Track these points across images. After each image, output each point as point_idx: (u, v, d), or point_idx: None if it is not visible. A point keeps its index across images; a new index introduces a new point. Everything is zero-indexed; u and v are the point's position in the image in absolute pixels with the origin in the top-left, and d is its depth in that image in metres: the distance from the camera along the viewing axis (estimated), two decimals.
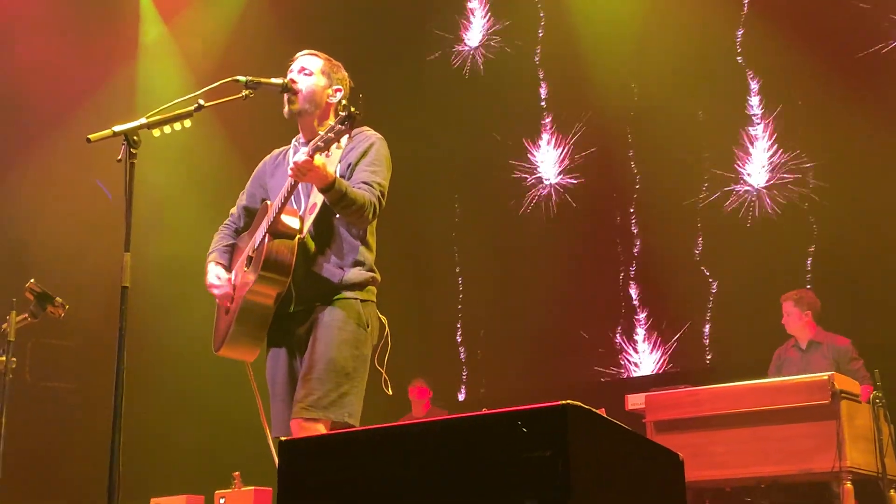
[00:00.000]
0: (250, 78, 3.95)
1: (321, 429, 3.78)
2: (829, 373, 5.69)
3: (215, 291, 4.17)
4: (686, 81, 8.71)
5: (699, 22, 8.77)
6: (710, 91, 8.66)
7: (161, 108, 3.70)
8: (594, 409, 2.24)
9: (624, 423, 2.43)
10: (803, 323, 7.05)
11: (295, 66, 4.18)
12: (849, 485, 5.41)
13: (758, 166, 8.40)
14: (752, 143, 8.46)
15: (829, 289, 7.49)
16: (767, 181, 8.35)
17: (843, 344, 6.91)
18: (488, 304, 9.77)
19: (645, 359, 8.83)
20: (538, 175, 9.68)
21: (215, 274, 4.19)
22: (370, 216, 3.92)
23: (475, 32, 10.28)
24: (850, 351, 6.87)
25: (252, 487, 7.38)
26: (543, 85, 9.74)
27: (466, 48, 10.26)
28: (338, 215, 3.94)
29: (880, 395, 5.94)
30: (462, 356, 9.87)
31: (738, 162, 8.46)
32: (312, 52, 4.25)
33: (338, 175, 3.89)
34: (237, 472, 7.77)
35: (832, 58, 8.02)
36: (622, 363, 8.92)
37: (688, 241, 8.65)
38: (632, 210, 9.07)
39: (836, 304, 7.32)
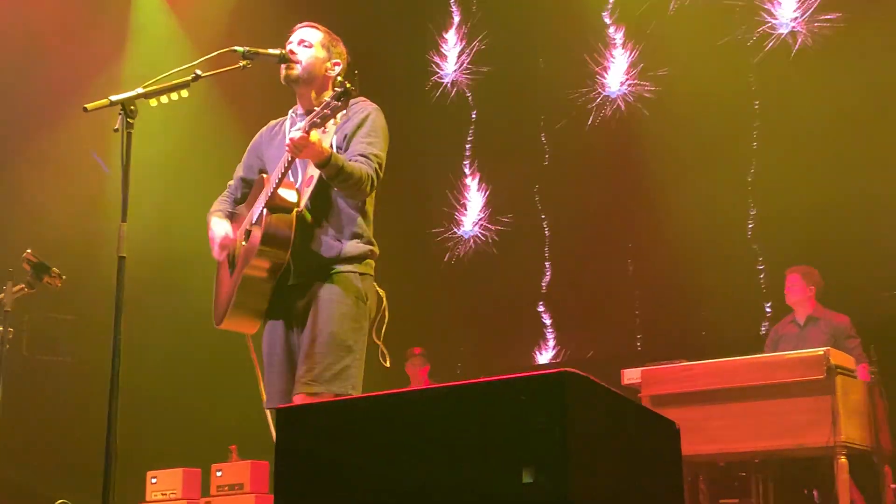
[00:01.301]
0: (248, 48, 3.93)
1: None
2: (825, 348, 5.71)
3: (217, 244, 4.14)
4: None
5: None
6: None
7: (158, 77, 3.69)
8: (591, 377, 2.25)
9: None
10: (805, 297, 7.06)
11: (294, 37, 4.16)
12: (843, 459, 5.44)
13: None
14: None
15: (827, 264, 7.47)
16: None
17: (840, 321, 6.92)
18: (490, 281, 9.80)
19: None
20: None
21: (224, 228, 4.16)
22: (368, 189, 3.91)
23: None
24: (848, 328, 6.88)
25: (249, 460, 7.41)
26: None
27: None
28: (335, 188, 3.93)
29: (875, 370, 5.97)
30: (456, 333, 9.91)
31: None
32: (312, 24, 4.22)
33: (334, 146, 3.89)
34: (234, 445, 7.80)
35: None
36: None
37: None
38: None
39: (832, 280, 7.33)
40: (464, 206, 10.03)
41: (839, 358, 5.68)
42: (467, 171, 10.10)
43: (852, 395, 5.69)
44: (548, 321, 9.40)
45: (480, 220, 9.90)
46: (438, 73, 10.33)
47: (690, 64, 8.68)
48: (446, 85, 10.27)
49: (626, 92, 9.14)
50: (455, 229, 10.05)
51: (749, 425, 5.67)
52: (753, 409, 5.69)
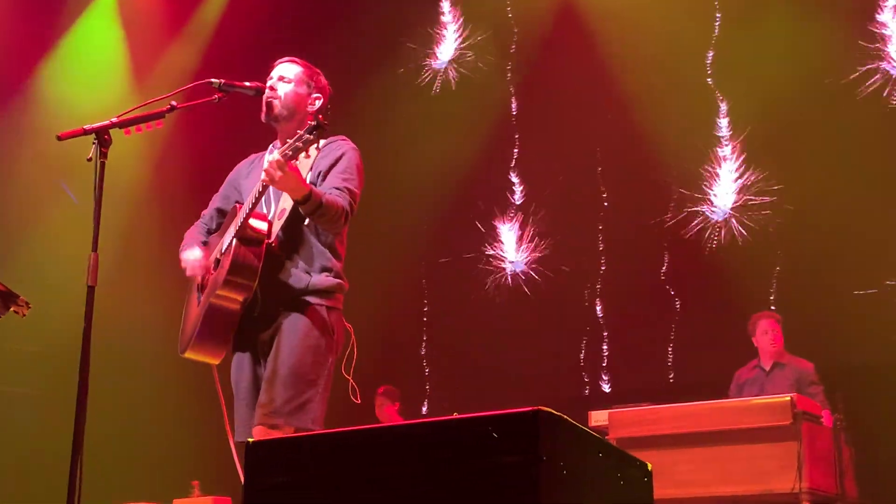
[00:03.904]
0: (224, 82, 3.93)
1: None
2: (792, 394, 5.74)
3: (189, 267, 4.10)
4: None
5: (671, 42, 8.85)
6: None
7: (133, 107, 3.68)
8: (565, 416, 2.24)
9: None
10: (781, 344, 7.08)
11: (274, 73, 4.16)
12: None
13: (725, 189, 8.47)
14: (719, 165, 8.56)
15: (792, 311, 7.53)
16: (735, 203, 8.42)
17: (805, 367, 6.96)
18: (452, 318, 9.78)
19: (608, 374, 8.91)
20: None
21: (195, 254, 4.11)
22: (343, 222, 3.91)
23: (448, 46, 10.31)
24: (812, 375, 6.91)
25: (211, 496, 7.34)
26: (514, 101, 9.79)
27: (439, 63, 10.28)
28: (308, 221, 3.92)
29: (841, 417, 6.01)
30: (426, 371, 9.85)
31: (706, 183, 8.55)
32: (292, 59, 4.22)
33: (308, 182, 3.88)
34: (196, 481, 7.72)
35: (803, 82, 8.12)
36: (586, 381, 8.96)
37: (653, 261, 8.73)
38: (600, 228, 9.12)
39: (798, 327, 7.38)
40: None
41: (805, 404, 5.71)
42: None
43: (818, 442, 5.72)
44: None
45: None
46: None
47: None
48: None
49: None
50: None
51: (715, 470, 5.68)
52: (720, 454, 5.70)
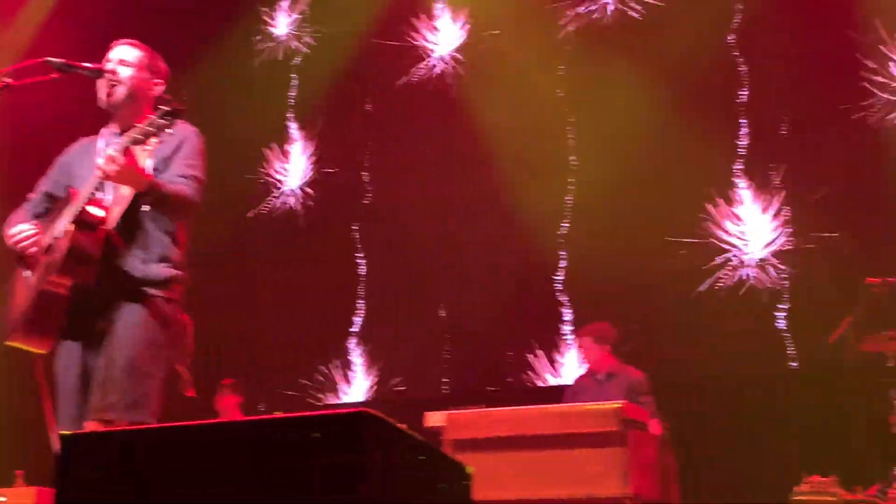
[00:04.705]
0: (63, 61, 3.81)
1: None
2: (621, 402, 5.90)
3: (21, 238, 3.94)
4: None
5: None
6: None
7: None
8: (387, 418, 2.26)
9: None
10: (600, 357, 7.27)
11: (113, 55, 4.04)
12: None
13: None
14: None
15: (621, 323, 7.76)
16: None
17: (637, 377, 7.17)
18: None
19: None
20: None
21: (25, 226, 3.95)
22: (189, 211, 3.84)
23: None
24: (643, 384, 7.11)
25: (35, 486, 7.14)
26: None
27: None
28: (147, 208, 3.82)
29: (668, 426, 6.22)
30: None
31: None
32: (131, 41, 4.11)
33: (150, 169, 3.79)
34: (20, 471, 7.49)
35: None
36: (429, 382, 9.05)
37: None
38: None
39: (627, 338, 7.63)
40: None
41: (634, 412, 5.87)
42: None
43: (644, 449, 5.89)
44: (358, 359, 9.40)
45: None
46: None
47: None
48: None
49: None
50: None
51: (546, 473, 5.76)
52: (551, 458, 5.79)
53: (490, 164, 8.93)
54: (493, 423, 6.01)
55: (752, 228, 8.19)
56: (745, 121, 8.30)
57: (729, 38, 8.39)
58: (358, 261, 9.59)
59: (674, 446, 6.46)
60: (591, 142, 8.71)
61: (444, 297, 9.15)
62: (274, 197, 10.07)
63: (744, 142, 8.26)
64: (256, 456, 2.29)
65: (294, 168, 10.07)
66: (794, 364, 7.88)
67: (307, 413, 2.27)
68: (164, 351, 3.87)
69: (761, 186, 8.17)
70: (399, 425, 2.32)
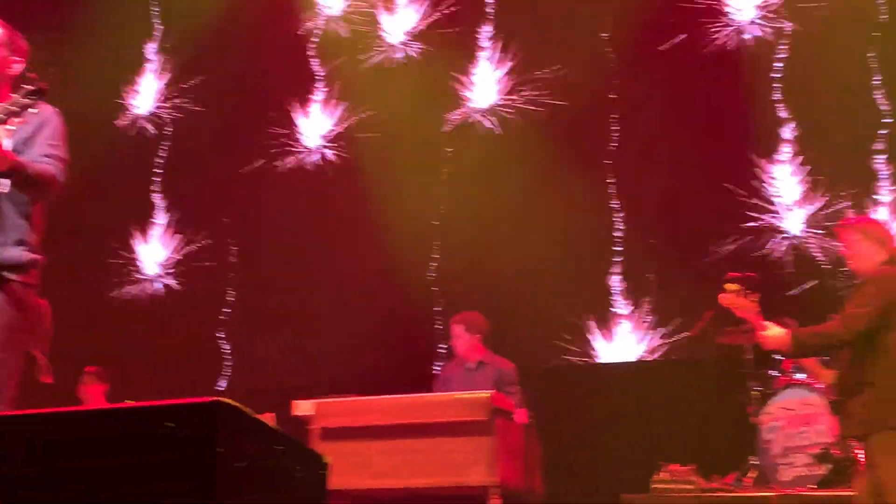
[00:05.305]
0: None
1: None
2: (490, 392, 5.98)
3: None
4: None
5: None
6: None
7: None
8: (243, 407, 2.25)
9: (291, 429, 2.46)
10: (471, 346, 7.32)
11: None
12: (497, 499, 5.69)
13: None
14: None
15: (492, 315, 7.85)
16: None
17: (506, 367, 7.24)
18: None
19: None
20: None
21: None
22: (53, 191, 3.75)
23: None
24: (512, 375, 7.18)
25: None
26: None
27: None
28: (7, 189, 3.70)
29: (533, 415, 6.34)
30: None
31: None
32: None
33: (11, 149, 3.68)
34: None
35: None
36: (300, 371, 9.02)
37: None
38: None
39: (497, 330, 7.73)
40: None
41: (501, 401, 5.96)
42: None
43: (510, 438, 5.98)
44: (227, 349, 9.32)
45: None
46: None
47: None
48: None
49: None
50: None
51: (414, 462, 5.81)
52: (420, 446, 5.83)
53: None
54: (362, 411, 6.02)
55: None
56: None
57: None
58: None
59: (538, 435, 6.57)
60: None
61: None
62: None
63: None
64: (107, 445, 2.25)
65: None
66: (656, 355, 8.12)
67: (160, 402, 2.25)
68: (20, 336, 3.75)
69: None
70: (254, 414, 2.31)
